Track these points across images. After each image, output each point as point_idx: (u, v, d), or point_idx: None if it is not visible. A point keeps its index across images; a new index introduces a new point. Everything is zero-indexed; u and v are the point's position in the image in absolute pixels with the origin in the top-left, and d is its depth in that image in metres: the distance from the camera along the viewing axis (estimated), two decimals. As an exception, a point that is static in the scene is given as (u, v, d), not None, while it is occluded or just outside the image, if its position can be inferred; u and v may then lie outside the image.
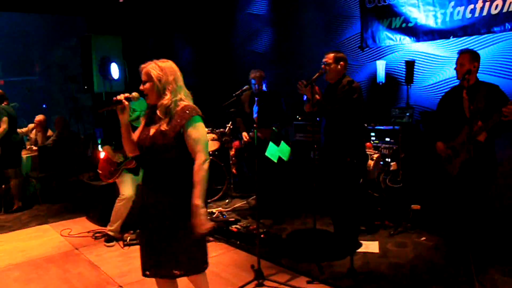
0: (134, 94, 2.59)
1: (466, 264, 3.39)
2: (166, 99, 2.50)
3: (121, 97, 2.56)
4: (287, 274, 3.86)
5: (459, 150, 3.85)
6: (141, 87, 2.57)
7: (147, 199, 2.57)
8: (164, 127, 2.49)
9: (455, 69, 3.88)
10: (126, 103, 2.56)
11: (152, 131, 2.54)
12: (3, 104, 6.48)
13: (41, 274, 4.16)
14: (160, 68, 2.54)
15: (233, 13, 8.01)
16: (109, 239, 4.87)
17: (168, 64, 2.59)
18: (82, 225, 5.62)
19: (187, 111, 2.50)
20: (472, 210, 3.81)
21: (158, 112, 2.55)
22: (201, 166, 2.46)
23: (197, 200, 2.42)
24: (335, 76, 4.24)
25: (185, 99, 2.57)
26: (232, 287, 3.59)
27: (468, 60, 3.77)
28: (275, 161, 3.72)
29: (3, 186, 6.63)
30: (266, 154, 3.61)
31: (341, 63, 4.24)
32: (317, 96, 4.08)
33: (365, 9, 5.67)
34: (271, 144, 3.65)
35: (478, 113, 3.72)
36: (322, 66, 4.24)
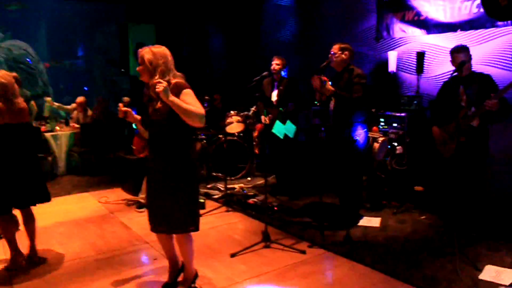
0: (125, 98, 3.13)
1: (453, 237, 3.81)
2: (155, 79, 2.89)
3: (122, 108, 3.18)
4: (292, 239, 4.37)
5: (453, 134, 4.23)
6: (137, 68, 3.02)
7: (153, 164, 3.10)
8: (158, 105, 2.97)
9: (450, 61, 4.24)
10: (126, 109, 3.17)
11: (151, 108, 3.06)
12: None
13: (81, 230, 4.84)
14: (152, 53, 2.94)
15: (262, 3, 8.46)
16: (140, 205, 5.51)
17: (160, 50, 2.98)
18: (117, 194, 6.29)
19: (179, 87, 2.92)
20: (464, 190, 4.21)
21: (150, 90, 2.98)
22: (201, 112, 2.86)
23: (173, 96, 2.82)
24: (341, 64, 4.68)
25: (173, 79, 2.96)
26: (243, 246, 4.13)
27: (460, 55, 4.14)
28: (281, 137, 4.20)
29: (49, 158, 7.39)
30: (272, 131, 4.09)
31: (346, 52, 4.68)
32: (329, 86, 4.53)
33: (381, 2, 6.02)
34: (277, 122, 4.12)
35: (472, 100, 4.10)
36: (330, 56, 4.69)
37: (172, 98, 2.83)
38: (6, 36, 12.71)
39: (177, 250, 3.33)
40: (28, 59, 11.69)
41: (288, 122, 4.14)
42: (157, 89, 2.80)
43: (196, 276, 3.37)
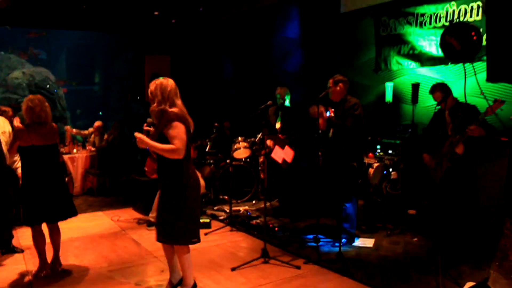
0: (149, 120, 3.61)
1: (440, 257, 4.09)
2: (153, 107, 3.43)
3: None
4: (289, 256, 4.68)
5: (442, 161, 4.57)
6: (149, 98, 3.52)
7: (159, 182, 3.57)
8: (152, 130, 3.48)
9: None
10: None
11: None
12: None
13: (95, 245, 5.21)
14: (154, 85, 3.45)
15: (270, 36, 8.93)
16: (150, 224, 5.86)
17: (160, 82, 3.46)
18: (129, 214, 6.68)
19: (169, 118, 3.35)
20: (453, 213, 4.52)
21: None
22: (172, 148, 3.30)
23: (150, 141, 3.35)
24: (337, 96, 5.04)
25: (170, 108, 3.40)
26: (243, 262, 4.45)
27: (436, 94, 4.58)
28: (280, 162, 4.56)
29: (66, 178, 7.82)
30: (272, 155, 4.46)
31: (340, 84, 5.02)
32: (331, 113, 4.90)
33: (379, 36, 6.46)
34: (276, 147, 4.50)
35: (456, 129, 4.46)
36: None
37: (151, 144, 3.36)
38: (29, 63, 13.43)
39: (179, 264, 3.68)
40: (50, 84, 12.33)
41: (286, 148, 4.51)
42: (139, 145, 3.41)
43: (194, 286, 3.69)
